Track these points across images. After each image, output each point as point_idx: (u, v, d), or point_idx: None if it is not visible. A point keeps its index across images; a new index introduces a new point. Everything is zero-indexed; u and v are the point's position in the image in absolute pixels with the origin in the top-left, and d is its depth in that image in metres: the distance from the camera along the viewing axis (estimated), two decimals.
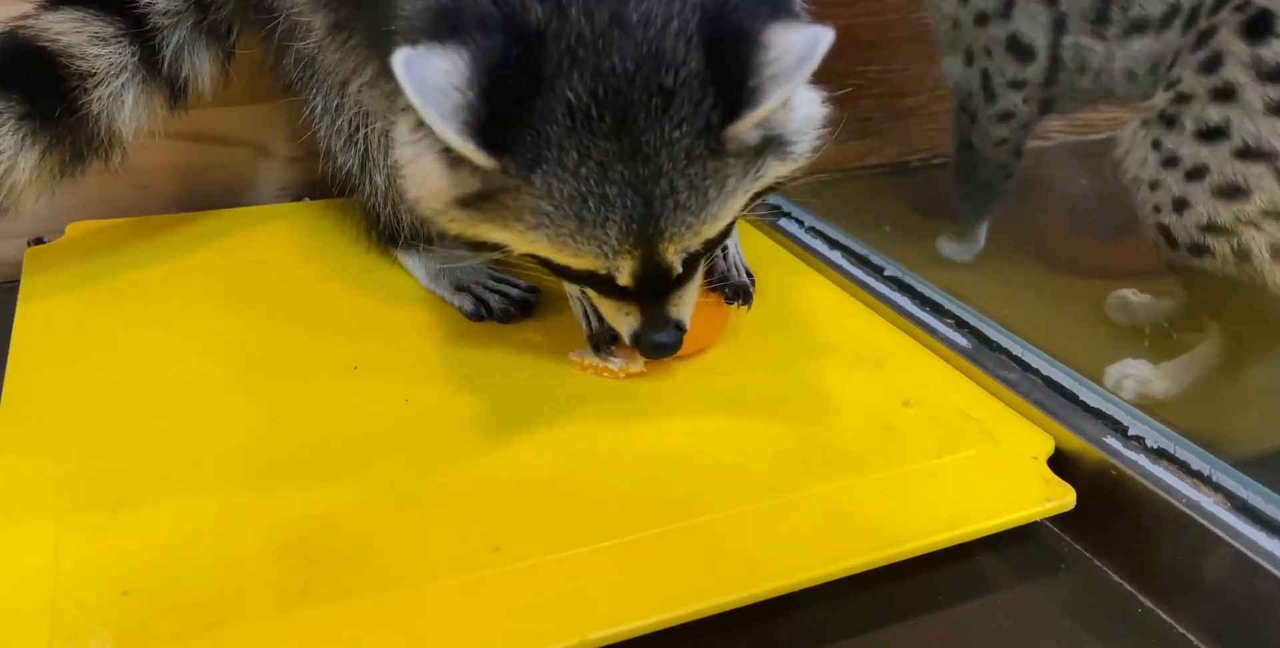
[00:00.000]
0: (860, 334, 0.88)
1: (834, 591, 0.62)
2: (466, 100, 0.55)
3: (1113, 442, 0.72)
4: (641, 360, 0.78)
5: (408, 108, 0.59)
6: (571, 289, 0.81)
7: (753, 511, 0.66)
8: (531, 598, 0.58)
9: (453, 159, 0.59)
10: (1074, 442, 0.73)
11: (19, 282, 0.87)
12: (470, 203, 0.62)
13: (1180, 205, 0.77)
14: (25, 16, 0.82)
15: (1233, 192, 0.75)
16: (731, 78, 0.58)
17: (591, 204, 0.60)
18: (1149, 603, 0.67)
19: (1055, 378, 0.79)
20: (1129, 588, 0.68)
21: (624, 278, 0.65)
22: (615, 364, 0.78)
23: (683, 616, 0.58)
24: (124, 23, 0.84)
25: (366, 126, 0.84)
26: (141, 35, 0.85)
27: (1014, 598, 0.68)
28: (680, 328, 0.69)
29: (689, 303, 0.70)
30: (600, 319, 0.77)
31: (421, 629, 0.55)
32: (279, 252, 0.96)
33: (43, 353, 0.78)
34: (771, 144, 0.63)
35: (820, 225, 1.05)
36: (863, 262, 0.98)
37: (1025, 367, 0.82)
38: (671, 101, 0.58)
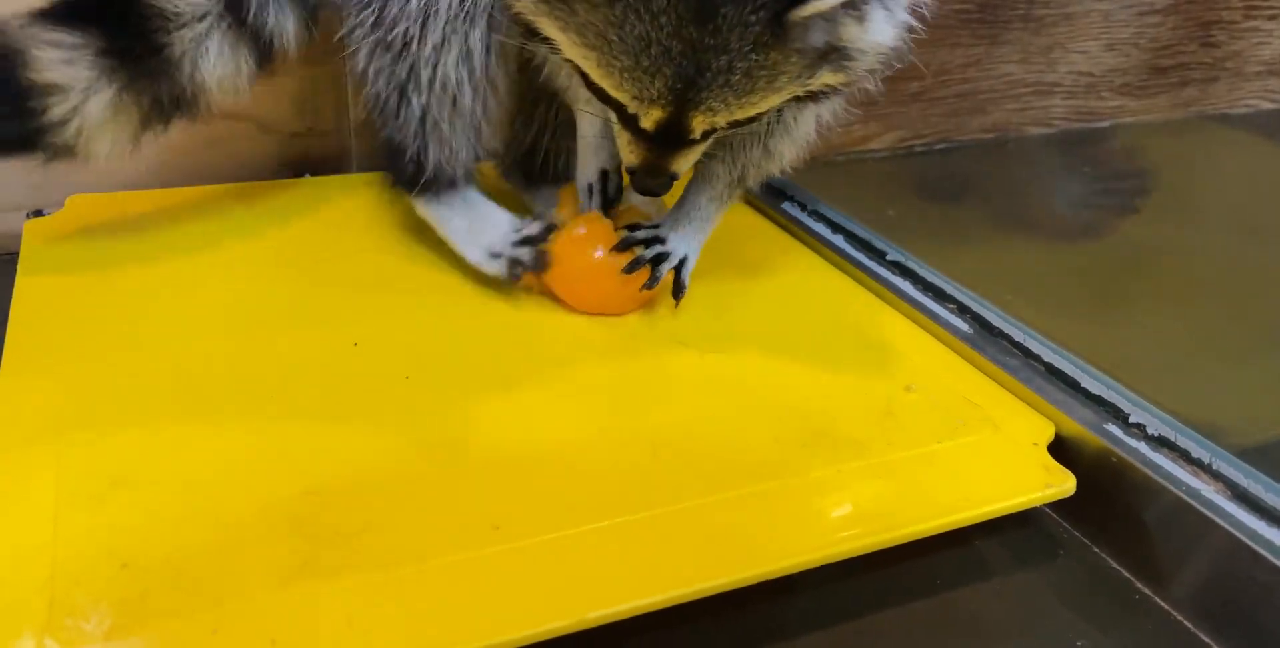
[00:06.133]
0: (862, 319, 0.88)
1: (832, 574, 0.62)
2: None
3: (1113, 429, 0.72)
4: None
5: None
6: (583, 177, 0.86)
7: (752, 493, 0.66)
8: (531, 577, 0.58)
9: None
10: (1074, 428, 0.73)
11: (18, 254, 0.87)
12: None
13: None
14: None
15: None
16: None
17: (653, 52, 0.62)
18: (1147, 590, 0.67)
19: (1056, 364, 0.79)
20: (1127, 575, 0.68)
21: (647, 123, 0.67)
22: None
23: (680, 596, 0.58)
24: None
25: (423, 38, 0.80)
26: None
27: (1012, 584, 0.68)
28: (673, 178, 0.73)
29: (690, 160, 0.73)
30: (603, 196, 0.86)
31: (421, 607, 0.55)
32: (278, 228, 0.95)
33: (41, 326, 0.77)
34: (834, 54, 0.65)
35: (823, 209, 1.04)
36: (865, 246, 0.98)
37: (1027, 353, 0.81)
38: None
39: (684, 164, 0.73)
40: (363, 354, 0.77)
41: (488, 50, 0.80)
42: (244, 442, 0.67)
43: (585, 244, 0.82)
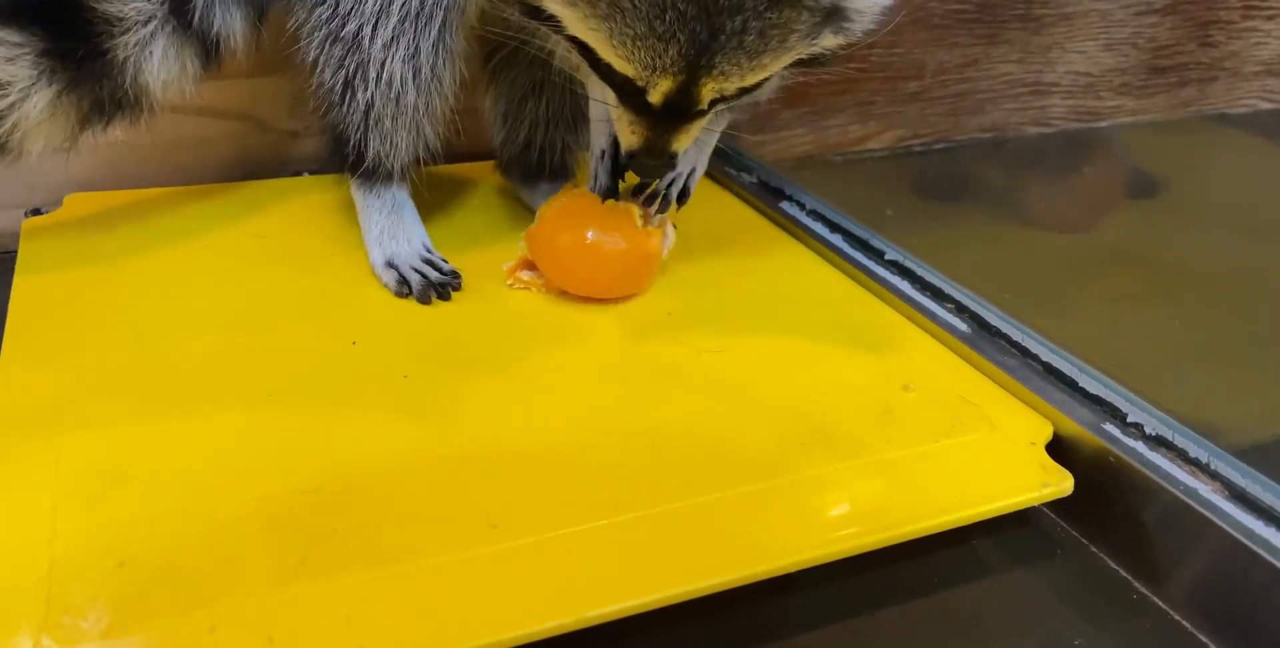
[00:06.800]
0: (860, 318, 0.88)
1: (830, 573, 0.62)
2: None
3: (1111, 428, 0.72)
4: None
5: None
6: (596, 147, 0.85)
7: (750, 492, 0.65)
8: (528, 575, 0.58)
9: None
10: (1072, 428, 0.73)
11: (15, 252, 0.87)
12: None
13: None
14: None
15: None
16: None
17: (668, 18, 0.62)
18: (1144, 590, 0.67)
19: (1054, 364, 0.79)
20: (1124, 574, 0.68)
21: (655, 96, 0.68)
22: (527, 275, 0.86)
23: (678, 595, 0.58)
24: None
25: (374, 36, 0.81)
26: None
27: (1009, 583, 0.68)
28: (673, 157, 0.73)
29: (691, 137, 0.73)
30: (609, 176, 0.84)
31: (418, 606, 0.55)
32: (277, 227, 0.95)
33: (39, 324, 0.77)
34: (837, 14, 0.66)
35: (821, 208, 1.04)
36: (863, 245, 0.98)
37: (1025, 352, 0.81)
38: None
39: (685, 141, 0.73)
40: (361, 352, 0.77)
41: (436, 51, 0.82)
42: (242, 440, 0.67)
43: (575, 224, 0.83)
